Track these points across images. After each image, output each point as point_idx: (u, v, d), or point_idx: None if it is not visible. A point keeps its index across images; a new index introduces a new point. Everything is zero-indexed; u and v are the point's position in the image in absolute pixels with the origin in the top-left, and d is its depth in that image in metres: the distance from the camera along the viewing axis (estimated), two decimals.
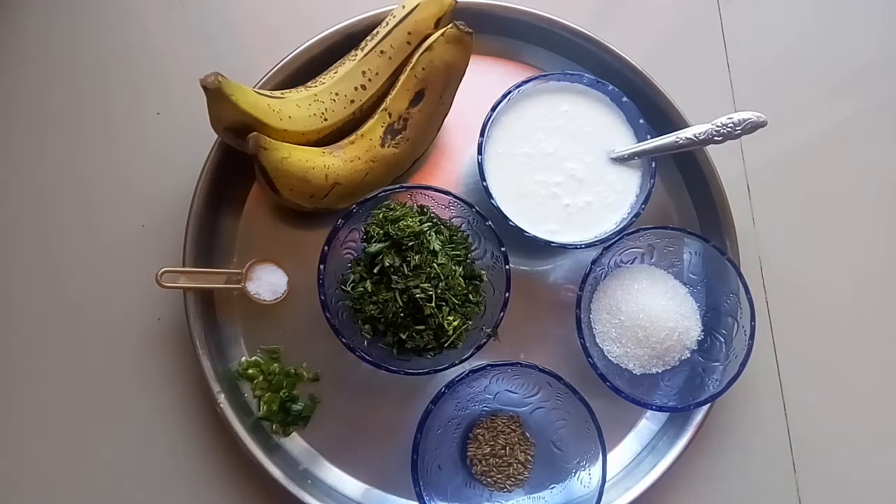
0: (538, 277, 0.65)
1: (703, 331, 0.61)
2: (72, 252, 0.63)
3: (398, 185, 0.59)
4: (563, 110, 0.62)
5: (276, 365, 0.61)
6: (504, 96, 0.60)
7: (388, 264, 0.56)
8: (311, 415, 0.61)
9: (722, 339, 0.61)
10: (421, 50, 0.59)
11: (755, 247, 0.68)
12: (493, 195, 0.59)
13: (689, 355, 0.61)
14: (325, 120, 0.59)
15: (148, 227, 0.64)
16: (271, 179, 0.57)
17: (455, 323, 0.56)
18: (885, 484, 0.66)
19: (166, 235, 0.62)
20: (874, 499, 0.66)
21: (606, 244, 0.59)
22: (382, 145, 0.60)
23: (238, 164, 0.61)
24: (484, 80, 0.65)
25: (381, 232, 0.56)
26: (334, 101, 0.60)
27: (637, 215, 0.60)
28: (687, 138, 0.59)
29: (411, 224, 0.56)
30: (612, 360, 0.61)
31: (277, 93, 0.59)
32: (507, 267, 0.57)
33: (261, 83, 0.62)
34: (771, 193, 0.69)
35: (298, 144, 0.58)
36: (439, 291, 0.55)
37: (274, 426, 0.61)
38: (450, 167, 0.66)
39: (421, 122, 0.61)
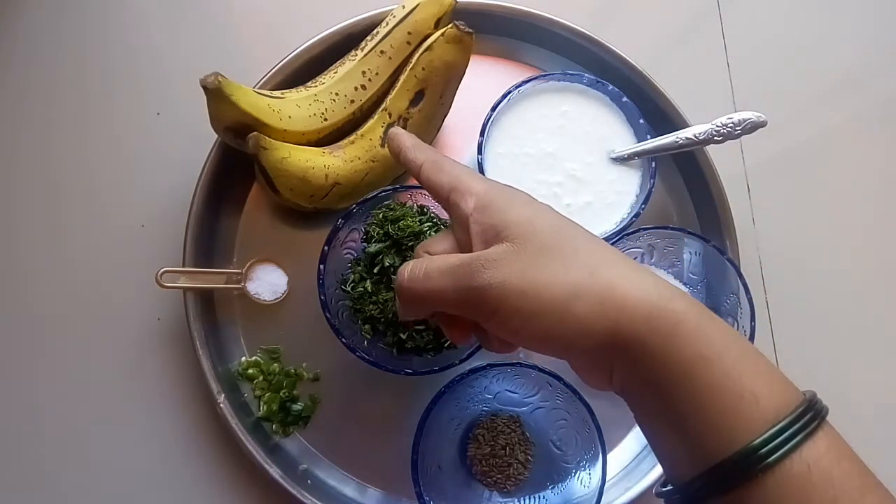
0: None
1: None
2: (71, 252, 0.63)
3: (398, 185, 0.59)
4: (563, 110, 0.62)
5: (276, 365, 0.61)
6: (504, 96, 0.60)
7: (388, 264, 0.56)
8: (311, 415, 0.61)
9: None
10: (421, 50, 0.59)
11: (755, 247, 0.68)
12: None
13: None
14: (325, 120, 0.59)
15: (148, 227, 0.64)
16: (271, 179, 0.57)
17: None
18: (885, 483, 0.66)
19: (166, 235, 0.62)
20: None
21: None
22: (382, 145, 0.60)
23: (238, 164, 0.61)
24: (484, 80, 0.65)
25: (381, 232, 0.56)
26: (334, 101, 0.60)
27: (637, 215, 0.60)
28: (687, 138, 0.59)
29: (411, 224, 0.56)
30: None
31: (277, 93, 0.59)
32: None
33: (261, 83, 0.62)
34: (771, 193, 0.69)
35: (298, 144, 0.58)
36: None
37: (274, 426, 0.61)
38: None
39: (421, 122, 0.61)
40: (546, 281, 0.35)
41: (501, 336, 0.40)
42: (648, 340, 0.34)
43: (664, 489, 0.37)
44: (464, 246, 0.40)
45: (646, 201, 0.60)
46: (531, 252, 0.36)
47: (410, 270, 0.39)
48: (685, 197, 0.67)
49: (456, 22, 0.58)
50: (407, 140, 0.45)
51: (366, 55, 0.60)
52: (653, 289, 0.35)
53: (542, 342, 0.37)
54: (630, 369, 0.35)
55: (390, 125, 0.60)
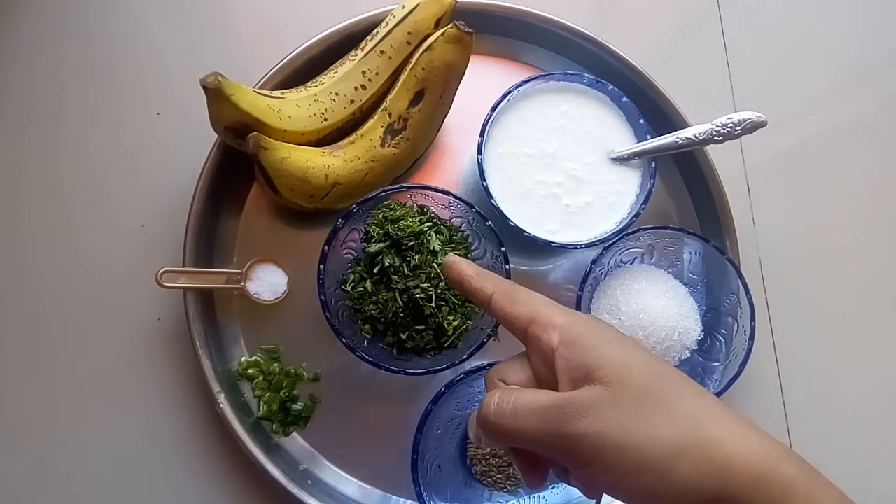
0: (538, 277, 0.65)
1: (703, 331, 0.61)
2: (71, 252, 0.63)
3: (398, 185, 0.59)
4: (563, 110, 0.62)
5: (276, 365, 0.61)
6: (504, 96, 0.60)
7: (388, 264, 0.56)
8: (311, 415, 0.61)
9: (722, 339, 0.61)
10: (421, 50, 0.59)
11: (755, 247, 0.68)
12: (493, 195, 0.59)
13: (689, 355, 0.61)
14: (325, 120, 0.59)
15: (148, 227, 0.64)
16: (271, 179, 0.57)
17: (455, 323, 0.56)
18: (884, 483, 0.66)
19: (166, 235, 0.62)
20: (874, 500, 0.66)
21: (606, 244, 0.59)
22: (382, 145, 0.60)
23: (238, 164, 0.61)
24: (484, 80, 0.65)
25: (381, 232, 0.56)
26: (334, 101, 0.60)
27: (637, 215, 0.60)
28: (687, 138, 0.59)
29: (411, 224, 0.56)
30: None
31: (277, 93, 0.59)
32: (507, 267, 0.57)
33: (261, 83, 0.62)
34: (771, 193, 0.69)
35: (298, 144, 0.58)
36: (439, 291, 0.55)
37: (274, 426, 0.61)
38: (450, 167, 0.66)
39: (421, 122, 0.61)
40: (648, 434, 0.33)
41: (591, 487, 0.38)
42: None
43: None
44: (542, 379, 0.38)
45: (646, 201, 0.60)
46: (629, 399, 0.34)
47: (497, 404, 0.37)
48: (685, 197, 0.67)
49: (456, 22, 0.58)
50: (468, 269, 0.44)
51: (366, 55, 0.60)
52: (761, 448, 0.33)
53: (639, 499, 0.35)
54: None
55: (390, 125, 0.60)
